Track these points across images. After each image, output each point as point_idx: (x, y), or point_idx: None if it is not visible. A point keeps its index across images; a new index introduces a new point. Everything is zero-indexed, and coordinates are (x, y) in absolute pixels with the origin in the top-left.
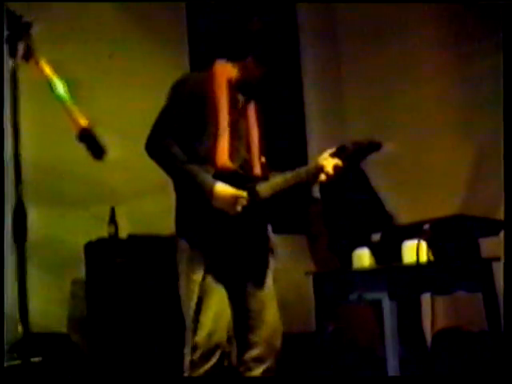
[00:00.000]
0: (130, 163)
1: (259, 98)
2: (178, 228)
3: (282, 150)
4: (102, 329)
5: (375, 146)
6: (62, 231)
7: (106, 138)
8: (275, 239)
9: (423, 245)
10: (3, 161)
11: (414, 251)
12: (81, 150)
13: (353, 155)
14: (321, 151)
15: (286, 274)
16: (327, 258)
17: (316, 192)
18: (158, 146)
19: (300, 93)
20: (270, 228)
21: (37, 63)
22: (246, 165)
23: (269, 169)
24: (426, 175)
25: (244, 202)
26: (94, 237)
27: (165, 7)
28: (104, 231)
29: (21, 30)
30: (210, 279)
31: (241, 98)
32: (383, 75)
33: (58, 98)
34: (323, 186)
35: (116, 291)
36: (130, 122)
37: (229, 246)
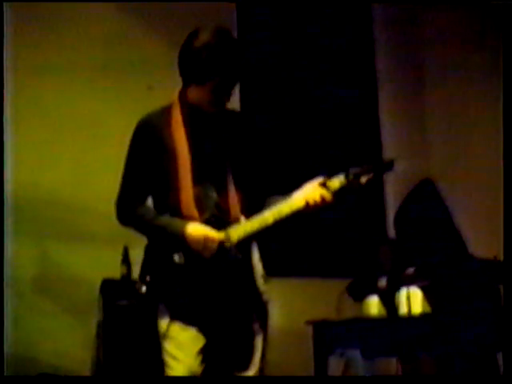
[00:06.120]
0: None
1: (228, 131)
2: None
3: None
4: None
5: (385, 166)
6: (88, 268)
7: None
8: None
9: (417, 293)
10: (3, 163)
11: (414, 300)
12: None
13: (350, 184)
14: None
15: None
16: None
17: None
18: (124, 214)
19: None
20: (261, 277)
21: None
22: (220, 210)
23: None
24: None
25: (214, 245)
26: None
27: None
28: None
29: None
30: (174, 329)
31: (205, 132)
32: None
33: None
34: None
35: (122, 336)
36: None
37: (198, 295)
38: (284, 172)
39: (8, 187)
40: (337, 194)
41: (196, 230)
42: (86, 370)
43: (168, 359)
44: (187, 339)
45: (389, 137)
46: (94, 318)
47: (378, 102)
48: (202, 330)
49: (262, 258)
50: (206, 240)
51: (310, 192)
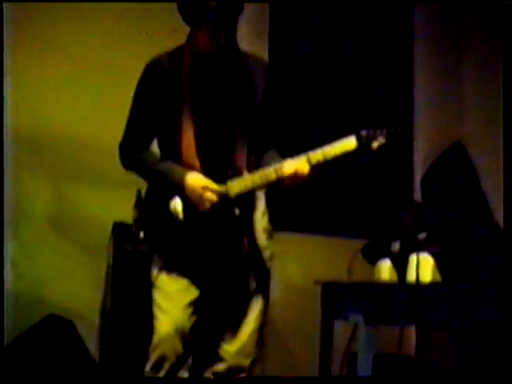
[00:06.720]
0: None
1: (231, 73)
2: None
3: None
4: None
5: (399, 133)
6: (102, 209)
7: None
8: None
9: (428, 260)
10: (3, 160)
11: (423, 268)
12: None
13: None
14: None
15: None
16: None
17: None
18: (127, 158)
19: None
20: (263, 232)
21: None
22: (224, 162)
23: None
24: None
25: (213, 197)
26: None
27: None
28: None
29: None
30: (163, 279)
31: (211, 75)
32: None
33: None
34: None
35: (128, 282)
36: None
37: (191, 246)
38: (300, 128)
39: (23, 123)
40: (318, 167)
41: (195, 179)
42: (95, 314)
43: (156, 310)
44: (176, 291)
45: (421, 97)
46: (105, 261)
47: (413, 61)
48: (194, 282)
49: (276, 211)
50: (205, 191)
51: (288, 163)
